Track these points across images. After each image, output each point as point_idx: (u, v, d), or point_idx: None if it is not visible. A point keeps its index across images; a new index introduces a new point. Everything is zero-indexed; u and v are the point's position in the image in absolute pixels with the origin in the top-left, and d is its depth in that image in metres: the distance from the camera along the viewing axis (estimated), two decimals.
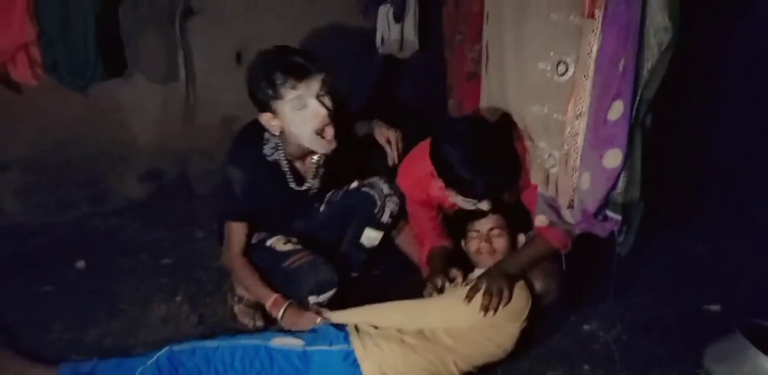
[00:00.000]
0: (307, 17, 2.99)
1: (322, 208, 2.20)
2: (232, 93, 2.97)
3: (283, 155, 2.04)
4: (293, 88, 1.85)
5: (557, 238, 1.98)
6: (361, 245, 2.15)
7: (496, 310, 1.82)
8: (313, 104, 1.88)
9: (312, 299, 1.97)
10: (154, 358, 1.72)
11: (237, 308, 2.16)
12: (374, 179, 2.13)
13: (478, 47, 2.39)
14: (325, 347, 1.77)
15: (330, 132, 1.93)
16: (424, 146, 2.03)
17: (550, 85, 1.90)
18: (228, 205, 2.08)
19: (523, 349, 1.97)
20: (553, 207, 1.96)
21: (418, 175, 2.05)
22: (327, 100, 1.90)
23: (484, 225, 2.06)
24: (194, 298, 2.27)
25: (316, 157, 2.10)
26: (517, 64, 2.03)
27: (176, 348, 1.75)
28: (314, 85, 1.87)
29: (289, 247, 2.04)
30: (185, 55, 2.77)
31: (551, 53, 1.88)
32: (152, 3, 2.62)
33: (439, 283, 1.98)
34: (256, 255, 2.09)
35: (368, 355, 1.74)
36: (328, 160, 2.11)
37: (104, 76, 2.50)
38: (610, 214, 1.82)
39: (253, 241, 2.12)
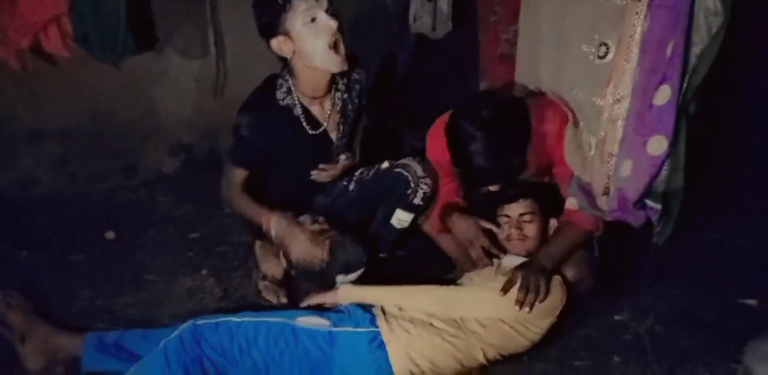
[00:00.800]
0: None
1: (351, 187, 2.18)
2: (262, 68, 2.95)
3: (296, 98, 2.02)
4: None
5: (588, 220, 1.93)
6: (390, 226, 2.12)
7: (531, 305, 1.78)
8: (323, 17, 1.88)
9: (340, 278, 1.96)
10: (178, 331, 1.72)
11: (262, 284, 2.17)
12: (408, 160, 2.10)
13: (512, 28, 2.34)
14: (351, 328, 1.76)
15: (342, 48, 1.92)
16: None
17: (590, 69, 1.84)
18: (232, 150, 2.09)
19: (552, 338, 1.93)
20: (588, 192, 1.91)
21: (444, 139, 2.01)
22: (335, 14, 1.91)
23: (514, 210, 1.99)
24: (219, 273, 2.28)
25: (330, 101, 2.07)
26: (558, 47, 1.98)
27: (200, 322, 1.74)
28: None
29: (316, 226, 2.02)
30: (215, 30, 2.77)
31: (595, 36, 1.81)
32: None
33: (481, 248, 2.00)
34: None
35: (395, 337, 1.72)
36: (344, 104, 2.09)
37: (135, 50, 2.50)
38: (649, 202, 1.76)
39: None
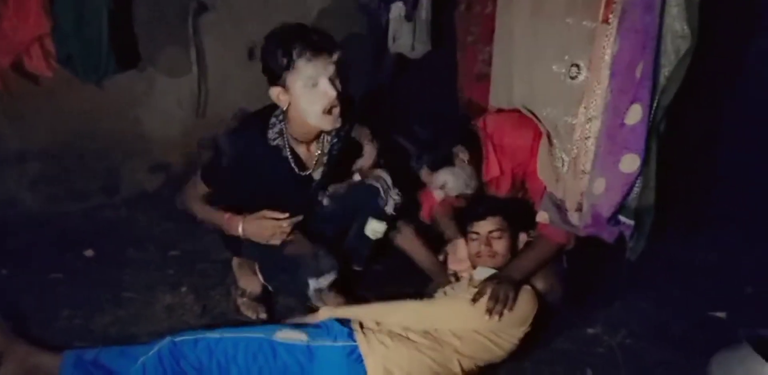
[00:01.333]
0: (318, 15, 3.01)
1: (325, 202, 2.20)
2: (244, 88, 2.99)
3: (287, 141, 2.05)
4: (308, 61, 1.86)
5: (560, 234, 1.99)
6: (365, 238, 2.15)
7: (500, 314, 1.82)
8: (324, 84, 1.89)
9: (312, 283, 1.97)
10: (156, 347, 1.72)
11: (240, 301, 2.18)
12: (379, 171, 2.14)
13: (488, 49, 2.40)
14: (329, 343, 1.77)
15: (337, 111, 1.95)
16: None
17: (562, 88, 1.90)
18: (206, 167, 2.13)
19: (526, 351, 1.97)
20: (560, 207, 1.96)
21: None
22: (337, 83, 1.92)
23: (483, 227, 2.03)
24: (199, 290, 2.28)
25: (318, 144, 2.10)
26: (529, 67, 2.04)
27: (178, 339, 1.75)
28: (329, 65, 1.89)
29: (290, 237, 2.05)
30: (198, 50, 2.79)
31: (565, 56, 1.88)
32: None
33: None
34: (255, 245, 2.09)
35: (372, 351, 1.74)
36: (331, 148, 2.11)
37: (117, 69, 2.53)
38: (622, 219, 1.81)
39: None
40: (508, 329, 1.86)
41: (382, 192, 2.09)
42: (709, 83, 2.44)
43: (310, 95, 1.91)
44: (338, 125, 1.99)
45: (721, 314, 2.26)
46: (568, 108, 1.90)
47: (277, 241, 2.03)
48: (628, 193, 1.72)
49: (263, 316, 2.13)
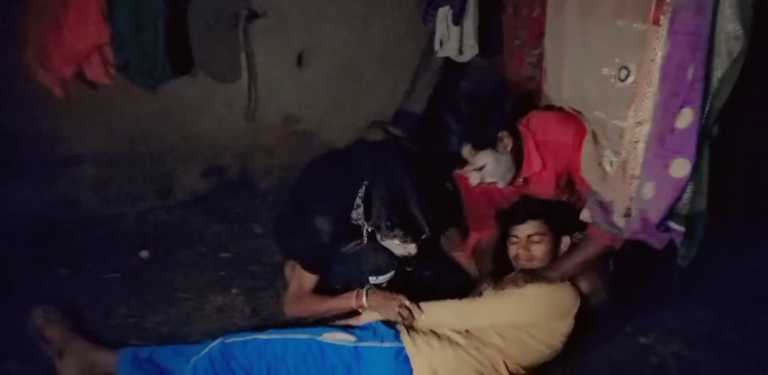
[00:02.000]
0: (367, 20, 3.04)
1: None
2: (293, 93, 3.05)
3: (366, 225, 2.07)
4: (396, 237, 1.99)
5: (606, 235, 1.95)
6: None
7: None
8: (400, 247, 2.03)
9: (372, 280, 2.02)
10: (207, 349, 1.77)
11: None
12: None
13: (535, 52, 2.38)
14: (376, 344, 1.79)
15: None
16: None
17: (611, 91, 1.86)
18: (305, 255, 2.09)
19: (577, 360, 1.95)
20: (605, 208, 1.92)
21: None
22: (414, 250, 2.06)
23: (523, 231, 2.02)
24: (249, 292, 2.33)
25: None
26: (580, 70, 2.01)
27: (228, 340, 1.80)
28: (412, 241, 2.01)
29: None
30: (248, 56, 2.85)
31: (616, 59, 1.84)
32: (218, 6, 2.70)
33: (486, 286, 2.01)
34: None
35: (419, 352, 1.75)
36: None
37: (172, 75, 2.59)
38: (672, 225, 1.76)
39: None
40: (548, 324, 1.84)
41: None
42: (764, 85, 2.35)
43: (387, 243, 2.05)
44: None
45: None
46: (617, 111, 1.86)
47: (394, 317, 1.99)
48: (678, 199, 1.67)
49: (311, 319, 2.15)
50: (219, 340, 1.81)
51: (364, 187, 2.01)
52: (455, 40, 2.83)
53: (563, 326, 1.86)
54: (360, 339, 1.81)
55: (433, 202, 2.02)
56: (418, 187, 1.98)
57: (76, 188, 2.80)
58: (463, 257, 2.36)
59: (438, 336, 1.81)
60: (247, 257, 2.59)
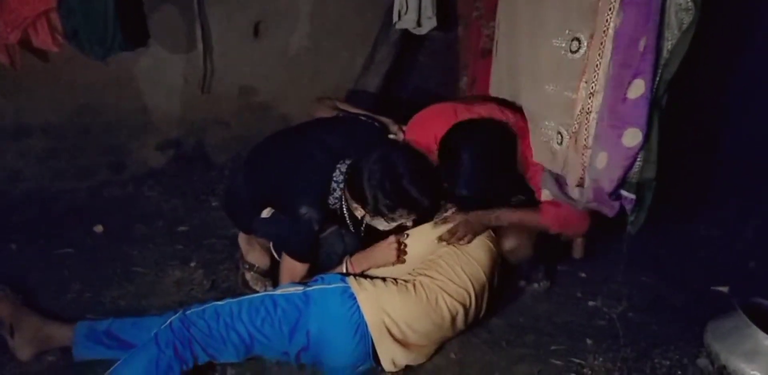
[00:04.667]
0: None
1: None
2: (250, 64, 3.00)
3: (345, 206, 2.06)
4: (401, 217, 1.96)
5: (554, 217, 2.02)
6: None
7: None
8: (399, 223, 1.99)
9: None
10: (168, 321, 1.77)
11: (248, 275, 2.22)
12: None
13: (493, 24, 2.39)
14: (323, 286, 1.86)
15: None
16: (431, 111, 2.18)
17: (562, 62, 1.89)
18: (300, 246, 2.03)
19: (528, 323, 2.02)
20: (560, 183, 1.97)
21: (426, 139, 2.11)
22: (411, 223, 2.03)
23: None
24: (207, 265, 2.32)
25: None
26: (531, 41, 2.03)
27: (189, 311, 1.80)
28: (415, 216, 1.98)
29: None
30: (203, 26, 2.78)
31: (567, 31, 1.87)
32: None
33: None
34: (271, 223, 2.11)
35: (363, 289, 1.83)
36: None
37: (125, 46, 2.51)
38: (623, 193, 1.82)
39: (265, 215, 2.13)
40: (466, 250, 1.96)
41: None
42: (712, 57, 2.43)
43: (385, 224, 2.00)
44: None
45: (724, 288, 2.28)
46: (568, 82, 1.89)
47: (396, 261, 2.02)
48: (630, 168, 1.73)
49: (271, 289, 2.15)
50: (179, 312, 1.80)
51: (339, 171, 2.01)
52: (413, 12, 2.82)
53: (482, 257, 1.98)
54: (308, 286, 1.87)
55: (424, 168, 2.01)
56: (404, 159, 1.96)
57: (24, 161, 2.72)
58: None
59: (382, 279, 1.89)
60: (205, 230, 2.57)
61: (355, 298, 1.80)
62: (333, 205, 2.04)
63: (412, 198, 1.90)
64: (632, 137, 1.68)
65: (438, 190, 2.00)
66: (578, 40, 1.83)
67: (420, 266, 1.95)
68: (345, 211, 2.06)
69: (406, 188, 1.89)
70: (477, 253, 1.98)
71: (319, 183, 2.01)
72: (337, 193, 2.02)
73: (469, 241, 1.99)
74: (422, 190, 1.91)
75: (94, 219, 2.57)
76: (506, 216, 2.07)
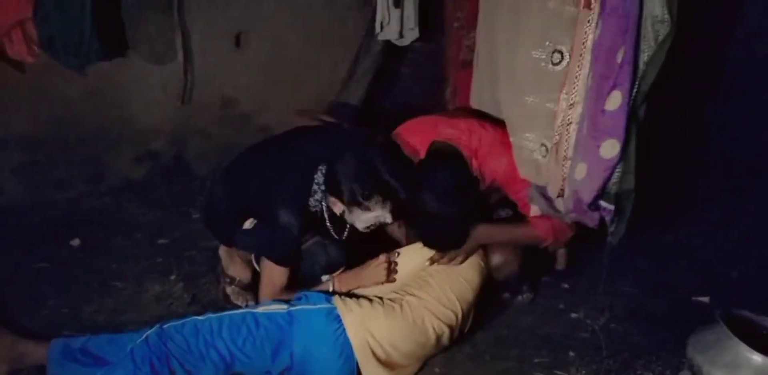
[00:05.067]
0: (306, 1, 2.99)
1: None
2: (230, 75, 2.98)
3: (324, 209, 2.04)
4: (377, 204, 1.93)
5: (545, 229, 2.01)
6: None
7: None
8: (377, 217, 1.97)
9: (325, 278, 2.02)
10: (144, 335, 1.74)
11: (229, 289, 2.19)
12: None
13: (473, 35, 2.39)
14: (308, 306, 1.82)
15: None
16: (413, 125, 2.17)
17: (543, 74, 1.89)
18: (280, 250, 2.00)
19: (511, 336, 2.02)
20: (545, 196, 1.97)
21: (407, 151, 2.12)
22: (389, 218, 1.98)
23: None
24: (188, 278, 2.29)
25: None
26: (511, 53, 2.03)
27: (166, 325, 1.77)
28: (391, 206, 1.96)
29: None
30: (183, 36, 2.76)
31: (547, 42, 1.87)
32: None
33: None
34: (253, 235, 2.07)
35: (349, 310, 1.80)
36: None
37: (102, 56, 2.48)
38: (603, 204, 1.83)
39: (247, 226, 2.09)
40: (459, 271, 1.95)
41: None
42: (691, 70, 2.46)
43: (363, 218, 1.98)
44: (369, 230, 2.05)
45: (705, 299, 2.29)
46: (549, 94, 1.89)
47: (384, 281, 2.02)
48: (608, 179, 1.74)
49: (252, 303, 2.13)
50: (156, 326, 1.77)
51: (320, 172, 1.99)
52: (396, 23, 2.83)
53: (472, 277, 1.98)
54: (292, 306, 1.83)
55: (401, 165, 2.02)
56: (382, 155, 1.97)
57: (0, 174, 2.66)
58: (395, 229, 2.37)
59: (369, 299, 1.86)
60: (185, 243, 2.54)
61: (340, 320, 1.77)
62: (314, 207, 2.02)
63: (385, 182, 1.91)
64: (610, 148, 1.69)
65: (413, 183, 1.98)
66: (560, 52, 1.83)
67: (409, 284, 1.93)
68: (325, 212, 2.04)
69: (380, 175, 1.91)
70: (468, 272, 1.96)
71: (299, 187, 2.00)
72: (318, 195, 2.01)
73: (461, 262, 1.97)
74: (396, 177, 1.92)
75: (72, 232, 2.53)
76: (499, 234, 2.06)
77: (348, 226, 2.10)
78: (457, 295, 1.90)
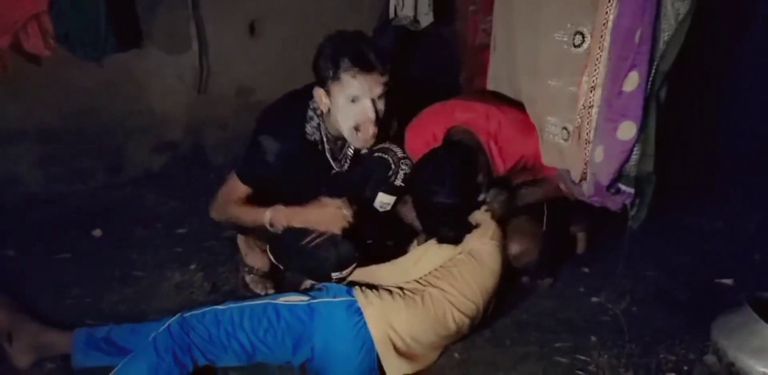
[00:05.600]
0: None
1: (344, 169, 2.17)
2: (246, 64, 2.98)
3: (324, 136, 2.03)
4: (353, 77, 1.87)
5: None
6: (374, 210, 2.14)
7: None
8: (365, 104, 1.90)
9: (335, 275, 1.99)
10: (166, 324, 1.75)
11: (248, 278, 2.20)
12: (387, 144, 2.10)
13: (490, 18, 2.36)
14: (329, 299, 1.82)
15: (369, 131, 1.94)
16: (430, 112, 2.14)
17: (565, 57, 1.87)
18: (244, 167, 2.04)
19: (532, 320, 2.00)
20: (571, 181, 1.95)
21: (425, 137, 2.08)
22: (381, 104, 1.92)
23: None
24: (207, 267, 2.30)
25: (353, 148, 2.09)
26: (531, 36, 2.00)
27: (187, 314, 1.78)
28: (376, 85, 1.89)
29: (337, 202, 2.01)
30: (198, 26, 2.77)
31: (568, 24, 1.84)
32: None
33: None
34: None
35: (369, 303, 1.79)
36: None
37: (117, 47, 2.50)
38: (622, 187, 1.81)
39: None
40: (479, 246, 1.93)
41: (393, 163, 2.07)
42: (713, 48, 2.40)
43: (348, 109, 1.92)
44: (368, 145, 2.00)
45: (728, 281, 2.26)
46: (571, 77, 1.86)
47: (337, 230, 1.97)
48: (625, 161, 1.72)
49: (271, 291, 2.14)
50: (178, 315, 1.78)
51: (315, 95, 1.97)
52: (410, 8, 2.80)
53: (493, 245, 1.95)
54: (313, 298, 1.83)
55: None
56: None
57: (21, 166, 2.70)
58: (409, 212, 2.35)
59: (389, 291, 1.84)
60: (204, 232, 2.54)
61: (361, 313, 1.76)
62: (311, 135, 2.01)
63: (356, 43, 1.89)
64: (627, 130, 1.67)
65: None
66: (581, 34, 1.80)
67: (432, 273, 1.90)
68: (326, 143, 2.02)
69: (354, 42, 1.90)
70: (491, 262, 1.93)
71: (292, 112, 2.01)
72: (314, 122, 2.01)
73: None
74: (368, 45, 1.90)
75: (92, 223, 2.55)
76: (529, 193, 2.07)
77: (348, 156, 2.08)
78: (480, 285, 1.88)
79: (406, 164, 2.09)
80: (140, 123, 2.89)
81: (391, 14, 2.85)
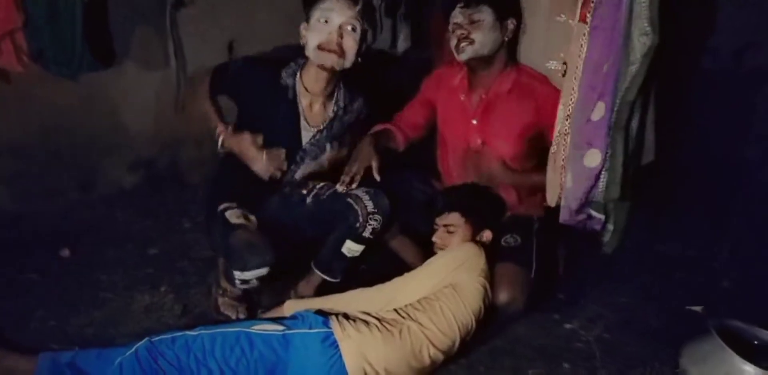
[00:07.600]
0: (299, 8, 2.98)
1: (308, 200, 2.19)
2: None
3: (296, 83, 2.14)
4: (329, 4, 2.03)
5: None
6: (341, 254, 2.12)
7: None
8: (333, 24, 2.04)
9: (237, 274, 1.93)
10: (134, 348, 1.71)
11: (221, 300, 2.16)
12: (361, 192, 2.09)
13: None
14: (304, 330, 1.79)
15: (333, 56, 2.05)
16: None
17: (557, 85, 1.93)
18: (220, 69, 2.26)
19: (506, 347, 2.00)
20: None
21: (444, 78, 2.36)
22: (349, 32, 2.05)
23: (441, 220, 2.14)
24: (179, 289, 2.26)
25: (322, 107, 2.19)
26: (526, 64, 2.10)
27: (156, 338, 1.74)
28: (347, 10, 2.03)
29: (240, 220, 1.99)
30: (175, 44, 2.75)
31: (561, 54, 1.91)
32: None
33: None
34: (213, 223, 2.08)
35: (346, 336, 1.76)
36: (338, 108, 2.23)
37: (93, 65, 2.48)
38: (593, 213, 1.85)
39: (219, 208, 2.07)
40: (463, 281, 1.92)
41: (360, 216, 2.05)
42: (677, 78, 2.46)
43: (316, 29, 2.06)
44: (329, 63, 2.06)
45: (698, 308, 2.29)
46: None
47: (264, 172, 2.12)
48: (591, 188, 1.77)
49: (243, 315, 2.11)
50: (146, 339, 1.74)
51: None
52: (388, 32, 2.83)
53: (476, 282, 1.94)
54: (288, 327, 1.80)
55: None
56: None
57: None
58: (400, 244, 2.35)
59: (366, 322, 1.82)
60: (176, 253, 2.51)
61: (337, 346, 1.74)
62: (284, 80, 2.14)
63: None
64: (593, 158, 1.74)
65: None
66: (566, 63, 1.87)
67: (413, 305, 1.89)
68: (298, 94, 2.15)
69: None
70: (474, 302, 1.92)
71: (271, 56, 2.22)
72: (291, 69, 2.15)
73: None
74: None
75: (61, 242, 2.49)
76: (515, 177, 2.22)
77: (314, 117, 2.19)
78: (460, 323, 1.86)
79: (375, 219, 2.06)
80: (114, 141, 2.85)
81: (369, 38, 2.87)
